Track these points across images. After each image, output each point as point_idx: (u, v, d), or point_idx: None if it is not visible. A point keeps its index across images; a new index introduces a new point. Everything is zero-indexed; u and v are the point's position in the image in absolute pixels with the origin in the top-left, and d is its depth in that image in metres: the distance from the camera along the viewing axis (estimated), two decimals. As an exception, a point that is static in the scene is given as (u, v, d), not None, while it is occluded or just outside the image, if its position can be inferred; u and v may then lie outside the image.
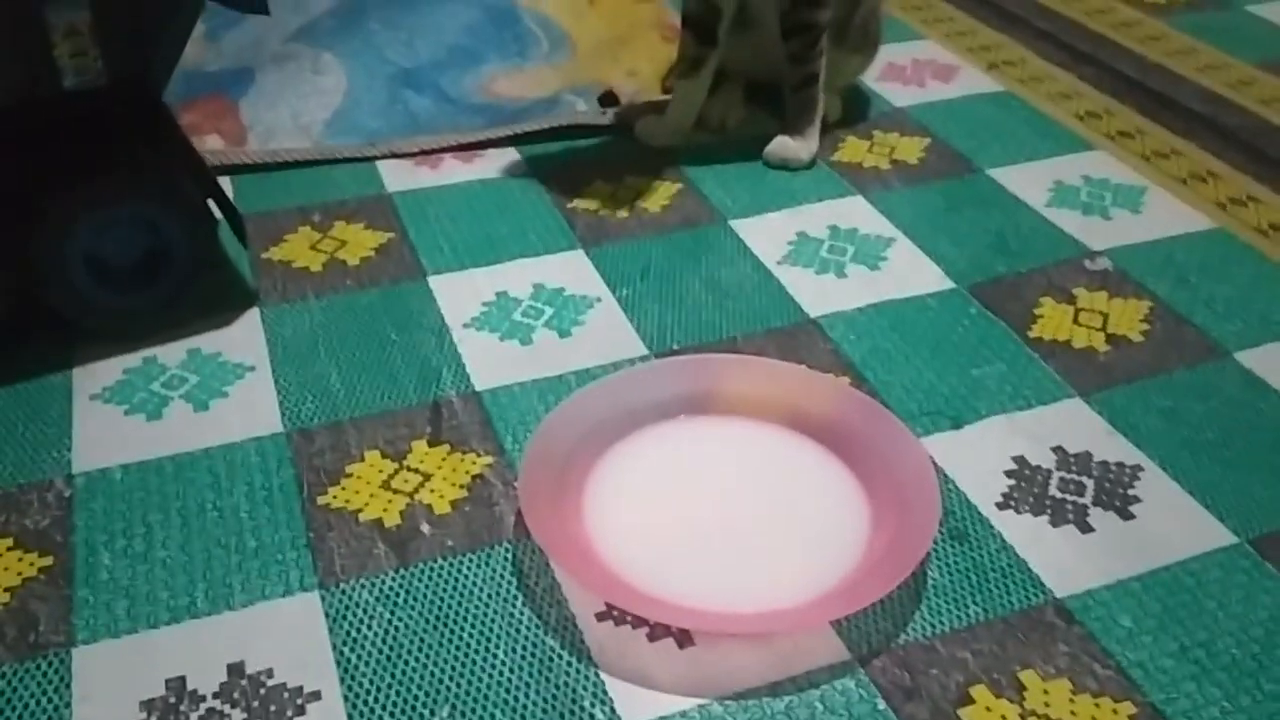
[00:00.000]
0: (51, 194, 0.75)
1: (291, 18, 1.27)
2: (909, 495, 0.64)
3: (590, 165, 1.04)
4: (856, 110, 1.13)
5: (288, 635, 0.60)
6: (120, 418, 0.75)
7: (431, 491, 0.69)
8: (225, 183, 1.00)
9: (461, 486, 0.69)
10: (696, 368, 0.75)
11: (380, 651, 0.59)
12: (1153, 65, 1.21)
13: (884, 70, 1.20)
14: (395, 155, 1.05)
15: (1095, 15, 1.32)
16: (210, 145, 1.01)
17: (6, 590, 0.63)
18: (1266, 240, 0.93)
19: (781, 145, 1.04)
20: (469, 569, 0.64)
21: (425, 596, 0.62)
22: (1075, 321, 0.84)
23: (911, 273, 0.90)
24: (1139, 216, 0.97)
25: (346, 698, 0.57)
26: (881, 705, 0.57)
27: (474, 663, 0.59)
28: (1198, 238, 0.94)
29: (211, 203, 0.84)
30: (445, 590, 0.63)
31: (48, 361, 0.79)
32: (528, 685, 0.58)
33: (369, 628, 0.61)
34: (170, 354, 0.81)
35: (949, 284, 0.89)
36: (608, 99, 1.11)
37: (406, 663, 0.59)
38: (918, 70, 1.20)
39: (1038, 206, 0.98)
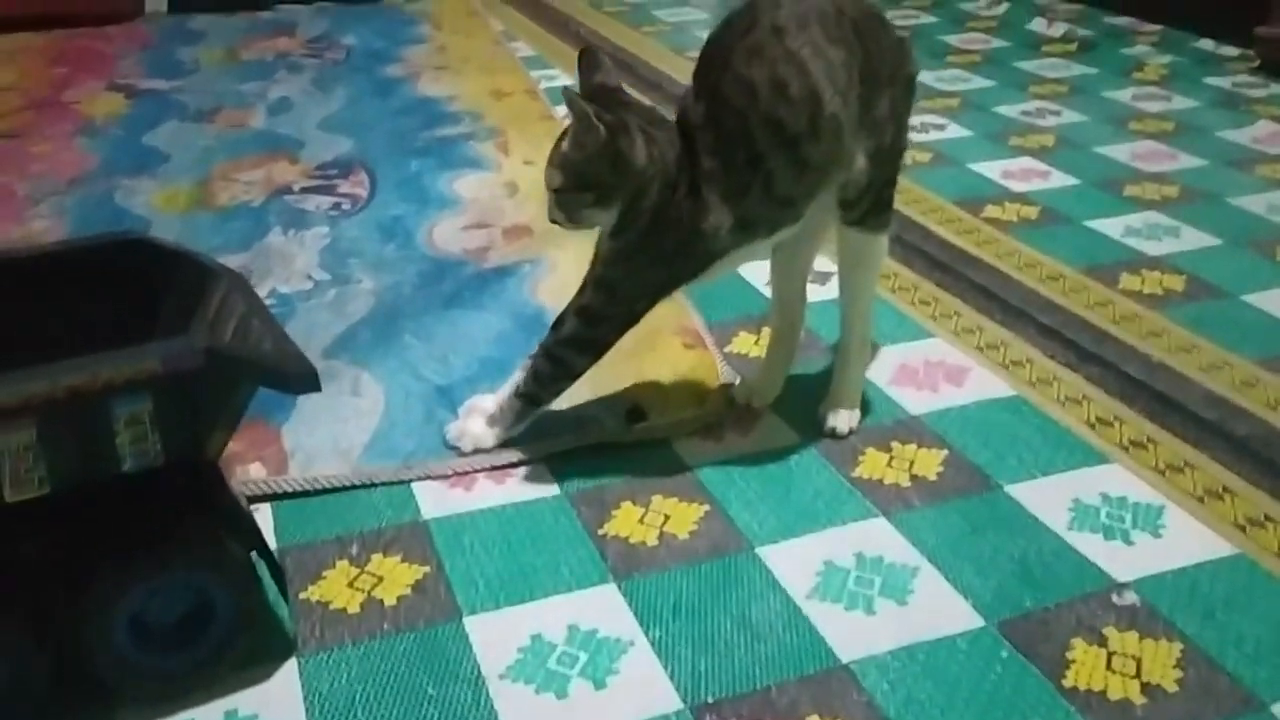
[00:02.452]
0: (99, 568, 0.77)
1: (332, 322, 1.33)
2: None
3: (619, 485, 1.07)
4: (873, 417, 1.17)
5: None
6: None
7: None
8: (265, 510, 1.03)
9: None
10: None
11: None
12: (1157, 364, 1.25)
13: (897, 373, 1.25)
14: (431, 477, 1.08)
15: (1096, 309, 1.38)
16: (253, 474, 1.05)
17: None
18: (1288, 568, 0.95)
19: (470, 425, 1.10)
20: None
21: None
22: (1109, 667, 0.85)
23: (940, 607, 0.91)
24: (1160, 541, 0.98)
25: None
26: None
27: None
28: (1221, 566, 0.95)
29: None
30: None
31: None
32: None
33: None
34: (208, 717, 0.81)
35: (978, 620, 0.90)
36: (634, 415, 1.15)
37: None
38: (930, 373, 1.25)
39: (1059, 529, 1.00)
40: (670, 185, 1.00)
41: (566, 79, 2.31)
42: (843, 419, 1.14)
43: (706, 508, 1.04)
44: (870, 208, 1.06)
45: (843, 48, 0.99)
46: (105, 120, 2.05)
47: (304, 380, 0.79)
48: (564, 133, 1.02)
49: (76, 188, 1.74)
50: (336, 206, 1.67)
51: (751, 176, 0.99)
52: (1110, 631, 0.88)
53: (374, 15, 2.80)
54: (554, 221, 1.05)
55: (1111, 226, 1.60)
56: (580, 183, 1.00)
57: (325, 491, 1.06)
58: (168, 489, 0.80)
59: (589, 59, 1.05)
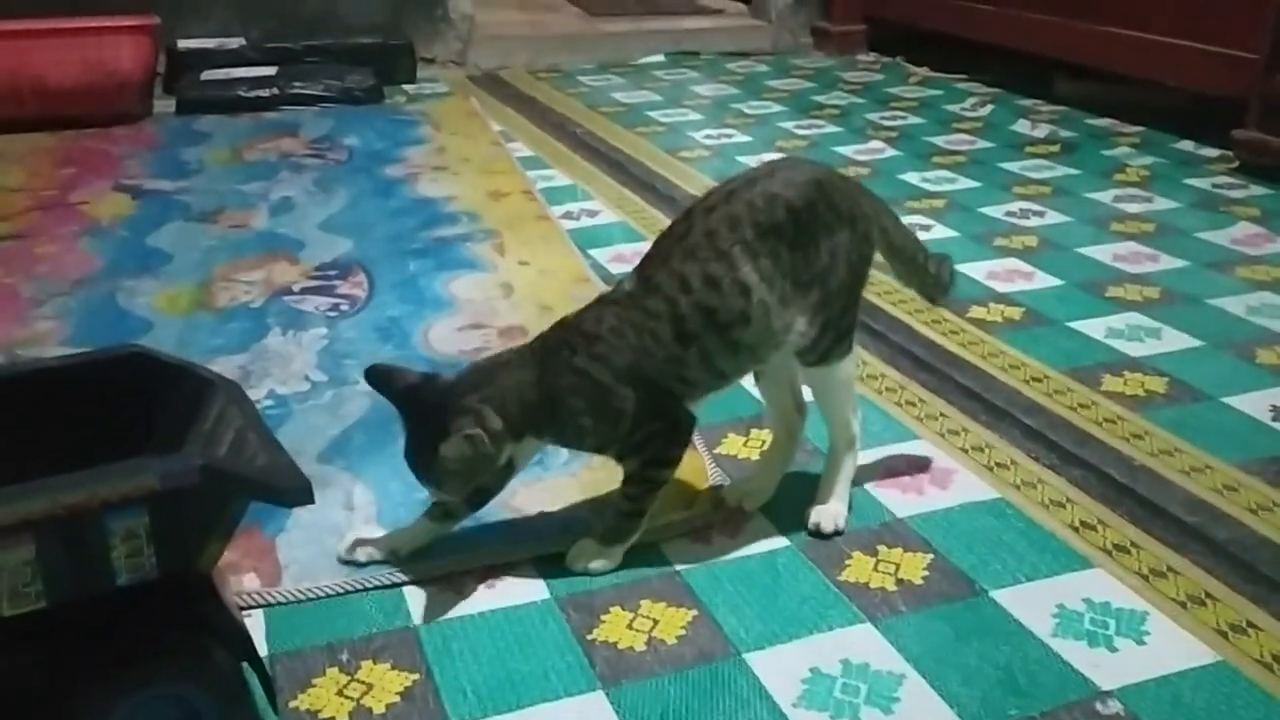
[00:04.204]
0: (87, 682, 0.78)
1: (327, 425, 1.36)
2: None
3: (608, 589, 1.08)
4: (860, 520, 1.18)
5: None
6: None
7: None
8: (257, 616, 1.04)
9: None
10: None
11: None
12: (1139, 467, 1.27)
13: (884, 474, 1.27)
14: (421, 582, 1.09)
15: (1079, 410, 1.40)
16: (247, 585, 1.06)
17: None
18: (1271, 676, 0.95)
19: (584, 550, 1.10)
20: None
21: None
22: (1092, 779, 0.85)
23: (926, 717, 0.92)
24: (1144, 648, 0.99)
25: None
26: None
27: None
28: (1203, 674, 0.96)
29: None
30: None
31: None
32: None
33: None
34: (195, 832, 0.81)
35: (964, 730, 0.90)
36: (624, 517, 1.16)
37: None
38: (915, 475, 1.27)
39: (1043, 636, 1.01)
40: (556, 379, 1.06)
41: (564, 179, 2.37)
42: (826, 518, 1.16)
43: (694, 612, 1.05)
44: (831, 345, 1.11)
45: (773, 236, 1.06)
46: (110, 221, 2.09)
47: (298, 494, 0.81)
48: (417, 439, 1.04)
49: (80, 289, 1.78)
50: (335, 307, 1.71)
51: (683, 351, 1.06)
52: (1094, 741, 0.89)
53: (375, 117, 2.88)
54: (441, 503, 1.09)
55: (1094, 328, 1.63)
56: (470, 478, 1.04)
57: (317, 598, 1.07)
58: (158, 601, 0.81)
59: (376, 375, 1.08)
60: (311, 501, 0.82)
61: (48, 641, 0.78)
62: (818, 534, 1.15)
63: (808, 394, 1.21)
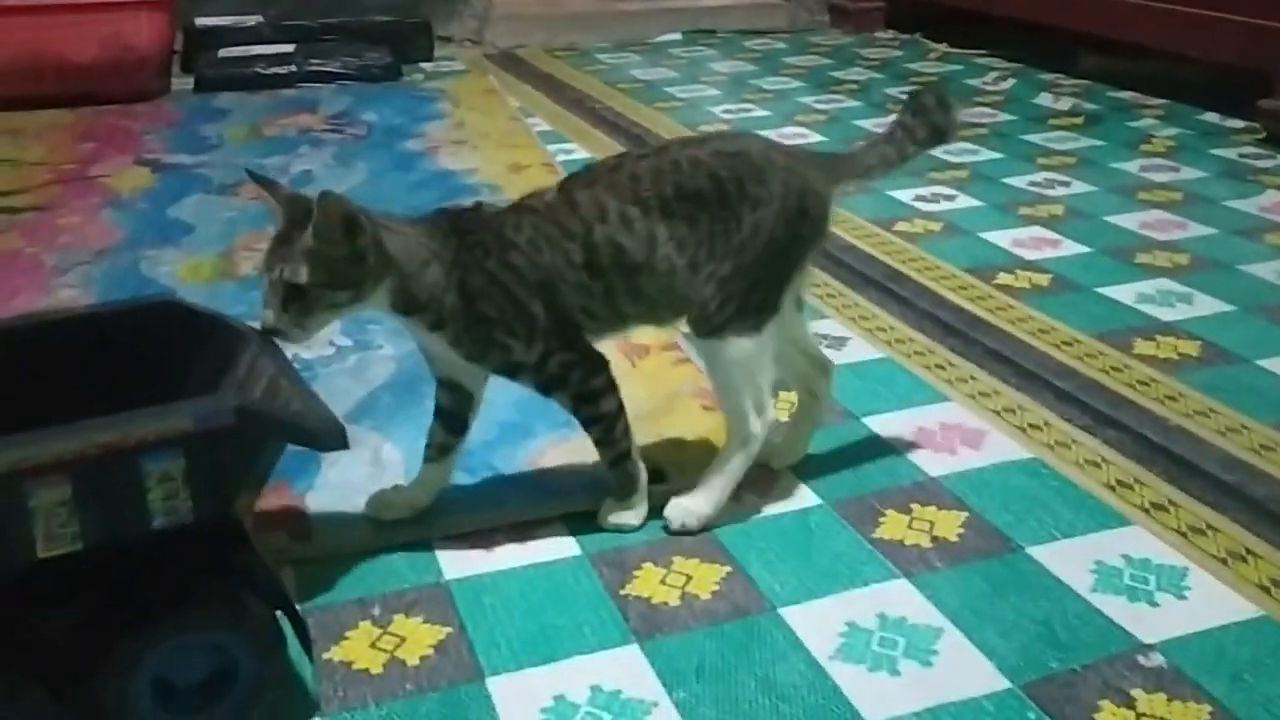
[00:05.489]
0: (123, 629, 0.78)
1: (353, 388, 1.35)
2: None
3: (640, 546, 1.07)
4: (892, 479, 1.17)
5: None
6: None
7: None
8: (288, 573, 1.03)
9: None
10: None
11: None
12: (1175, 428, 1.26)
13: (915, 435, 1.25)
14: (451, 537, 1.08)
15: (1112, 373, 1.38)
16: (277, 542, 1.05)
17: None
18: (1314, 630, 0.94)
19: (608, 509, 1.10)
20: None
21: None
22: (1138, 730, 0.84)
23: (964, 669, 0.91)
24: (1185, 603, 0.98)
25: None
26: None
27: None
28: (1246, 628, 0.95)
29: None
30: None
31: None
32: None
33: None
34: (232, 779, 0.81)
35: (1003, 683, 0.89)
36: (654, 476, 1.15)
37: None
38: (947, 436, 1.26)
39: (1082, 591, 1.00)
40: (457, 258, 1.01)
41: (583, 154, 2.35)
42: (677, 511, 1.10)
43: (728, 569, 1.04)
44: (728, 319, 1.05)
45: (691, 202, 1.04)
46: (131, 193, 2.09)
47: (332, 438, 0.81)
48: (286, 230, 0.96)
49: (103, 258, 1.77)
50: (358, 276, 1.70)
51: (590, 281, 1.04)
52: (1138, 693, 0.87)
53: (393, 93, 2.87)
54: (275, 331, 0.94)
55: (1123, 293, 1.61)
56: (332, 279, 0.95)
57: (348, 555, 1.06)
58: (192, 548, 0.80)
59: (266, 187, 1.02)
60: (345, 446, 0.82)
61: (84, 587, 0.78)
62: (666, 529, 1.10)
63: (831, 355, 1.20)
